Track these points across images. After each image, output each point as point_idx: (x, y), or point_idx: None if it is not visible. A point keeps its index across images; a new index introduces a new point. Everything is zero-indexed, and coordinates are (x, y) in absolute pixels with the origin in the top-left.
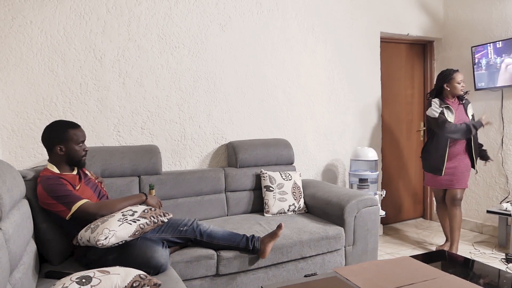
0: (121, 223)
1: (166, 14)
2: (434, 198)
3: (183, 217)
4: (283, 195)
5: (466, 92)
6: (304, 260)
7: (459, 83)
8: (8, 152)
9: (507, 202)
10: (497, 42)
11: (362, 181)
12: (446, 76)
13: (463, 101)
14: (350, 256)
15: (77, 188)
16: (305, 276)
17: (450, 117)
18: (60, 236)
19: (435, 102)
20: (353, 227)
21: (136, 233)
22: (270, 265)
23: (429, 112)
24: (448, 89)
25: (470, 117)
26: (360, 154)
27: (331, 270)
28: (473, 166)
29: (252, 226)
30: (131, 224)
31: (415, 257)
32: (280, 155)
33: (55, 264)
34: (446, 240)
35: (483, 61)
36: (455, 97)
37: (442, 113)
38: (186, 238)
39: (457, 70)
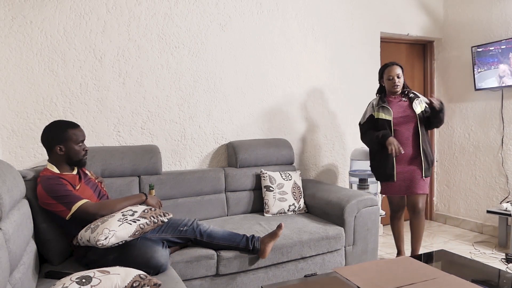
0: (121, 223)
1: (166, 14)
2: (390, 208)
3: (183, 217)
4: (283, 195)
5: (404, 88)
6: (304, 260)
7: (389, 79)
8: (8, 152)
9: (507, 202)
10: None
11: (362, 181)
12: (380, 72)
13: (406, 97)
14: (350, 256)
15: (77, 188)
16: (305, 276)
17: (386, 116)
18: (60, 236)
19: (371, 104)
20: (353, 227)
21: (136, 233)
22: (270, 265)
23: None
24: (384, 85)
25: (419, 112)
26: (360, 154)
27: (331, 270)
28: (424, 175)
29: (252, 226)
30: (131, 224)
31: (415, 257)
32: (280, 155)
33: (55, 264)
34: (398, 253)
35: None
36: (396, 94)
37: (371, 117)
38: (186, 238)
39: (391, 64)
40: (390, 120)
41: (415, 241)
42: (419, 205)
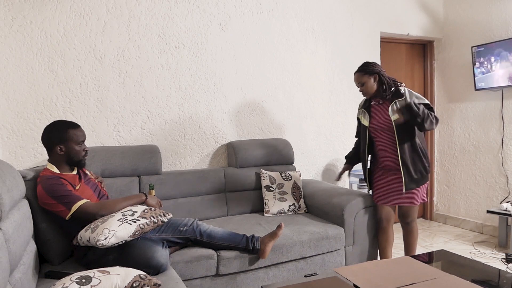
0: (121, 223)
1: (166, 14)
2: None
3: (183, 217)
4: (283, 195)
5: (384, 91)
6: (304, 260)
7: (357, 86)
8: (8, 152)
9: (507, 202)
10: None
11: (362, 181)
12: None
13: (384, 100)
14: (350, 256)
15: (77, 188)
16: (305, 276)
17: (364, 122)
18: (60, 236)
19: (359, 106)
20: (353, 227)
21: (136, 233)
22: (270, 265)
23: None
24: None
25: (394, 117)
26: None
27: (331, 270)
28: (405, 188)
29: (252, 226)
30: (131, 224)
31: (415, 257)
32: (280, 155)
33: (55, 264)
34: None
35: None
36: (379, 96)
37: (358, 120)
38: (186, 238)
39: (355, 72)
40: (367, 127)
41: (411, 250)
42: (408, 216)
